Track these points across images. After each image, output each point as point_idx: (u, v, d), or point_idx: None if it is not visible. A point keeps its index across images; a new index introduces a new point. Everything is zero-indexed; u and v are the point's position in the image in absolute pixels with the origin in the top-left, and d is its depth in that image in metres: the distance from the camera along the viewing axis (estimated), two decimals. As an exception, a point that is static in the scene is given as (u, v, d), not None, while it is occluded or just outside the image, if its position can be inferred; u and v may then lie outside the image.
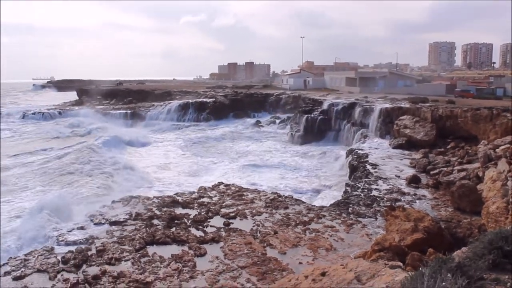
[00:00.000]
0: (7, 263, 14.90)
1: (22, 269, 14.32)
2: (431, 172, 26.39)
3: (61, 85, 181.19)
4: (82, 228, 18.19)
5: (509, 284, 4.12)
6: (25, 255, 15.58)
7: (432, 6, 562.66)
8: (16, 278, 13.81)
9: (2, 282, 13.65)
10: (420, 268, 4.33)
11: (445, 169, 26.25)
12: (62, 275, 14.01)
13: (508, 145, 23.94)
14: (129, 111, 67.90)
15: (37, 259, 15.11)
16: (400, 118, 37.54)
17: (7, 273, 14.13)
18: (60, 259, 15.03)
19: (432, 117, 35.47)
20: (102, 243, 16.37)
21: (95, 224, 18.72)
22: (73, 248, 15.93)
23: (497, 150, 24.41)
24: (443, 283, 3.62)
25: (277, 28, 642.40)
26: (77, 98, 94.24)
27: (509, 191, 16.26)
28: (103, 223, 18.76)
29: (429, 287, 3.77)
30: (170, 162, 39.06)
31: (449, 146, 31.38)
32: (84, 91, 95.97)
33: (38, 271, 14.29)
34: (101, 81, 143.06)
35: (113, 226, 18.38)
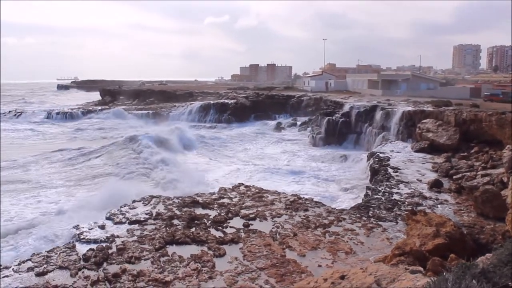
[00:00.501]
0: (30, 259, 15.14)
1: (45, 266, 14.53)
2: (454, 177, 26.01)
3: (85, 85, 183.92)
4: (103, 227, 18.38)
5: (534, 292, 4.02)
6: (48, 252, 15.81)
7: (458, 8, 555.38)
8: (38, 274, 14.01)
9: (25, 278, 13.88)
10: (444, 274, 4.26)
11: (468, 173, 25.83)
12: (83, 272, 14.17)
13: (534, 150, 23.47)
14: (151, 112, 68.62)
15: (59, 256, 15.32)
16: (423, 121, 37.10)
17: (30, 269, 14.35)
18: (81, 257, 15.20)
19: (455, 121, 34.96)
20: (122, 242, 16.52)
21: (115, 223, 18.90)
22: (94, 246, 16.11)
23: (522, 155, 23.95)
24: (468, 289, 3.56)
25: (300, 29, 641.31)
26: (100, 98, 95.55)
27: (535, 197, 15.92)
28: (124, 222, 18.92)
29: (452, 293, 3.70)
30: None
31: (472, 151, 30.86)
32: (107, 91, 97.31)
33: (60, 268, 14.47)
34: (124, 82, 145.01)
35: (134, 225, 18.52)
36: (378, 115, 43.89)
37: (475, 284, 3.60)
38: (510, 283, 4.10)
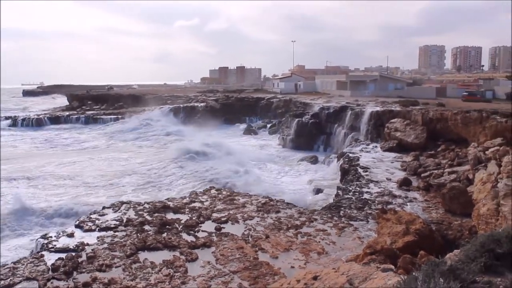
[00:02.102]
0: (-5, 272, 14.68)
1: (11, 278, 14.07)
2: (422, 175, 26.49)
3: (51, 91, 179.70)
4: (71, 235, 17.97)
5: (501, 286, 4.10)
6: (14, 263, 15.35)
7: (423, 10, 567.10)
8: (5, 287, 13.60)
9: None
10: (413, 272, 4.31)
11: (435, 171, 26.37)
12: (52, 282, 13.82)
13: (498, 147, 24.10)
14: (119, 116, 67.71)
15: (26, 267, 14.89)
16: (391, 121, 37.66)
17: (-5, 282, 13.93)
18: (50, 267, 14.82)
19: (422, 120, 35.63)
20: (92, 250, 16.19)
21: (85, 230, 18.50)
22: (63, 255, 15.73)
23: (487, 152, 24.57)
24: (437, 287, 3.59)
25: (270, 32, 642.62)
26: (67, 103, 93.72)
27: (499, 193, 16.33)
28: (94, 230, 18.55)
29: (422, 291, 3.74)
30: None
31: (439, 149, 31.51)
32: (75, 96, 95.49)
33: (27, 279, 14.05)
34: (92, 86, 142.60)
35: (104, 232, 18.19)
36: (347, 115, 44.36)
37: (442, 282, 3.65)
38: (477, 279, 4.17)
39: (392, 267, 7.30)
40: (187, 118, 65.54)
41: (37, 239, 17.91)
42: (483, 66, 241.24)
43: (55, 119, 69.15)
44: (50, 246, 16.82)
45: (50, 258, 15.59)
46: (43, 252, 16.29)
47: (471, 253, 4.88)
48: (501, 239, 5.02)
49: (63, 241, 17.30)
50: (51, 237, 17.75)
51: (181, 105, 70.06)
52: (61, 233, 18.22)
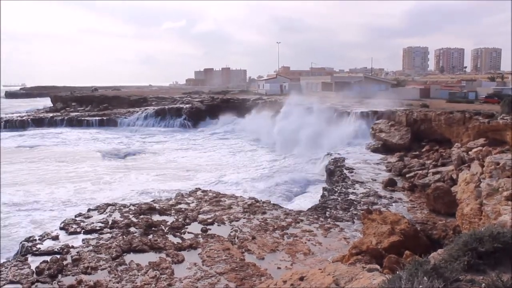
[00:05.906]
0: (-22, 275, 14.49)
1: (-6, 281, 13.95)
2: (407, 175, 26.75)
3: (34, 92, 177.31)
4: (56, 237, 17.81)
5: (483, 284, 4.18)
6: (-2, 266, 15.19)
7: (406, 11, 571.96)
8: (-12, 290, 13.46)
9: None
10: (397, 271, 4.37)
11: (420, 172, 26.63)
12: (36, 286, 13.69)
13: (480, 148, 24.44)
14: (104, 118, 67.26)
15: (9, 270, 14.72)
16: (376, 122, 37.97)
17: (-23, 286, 13.75)
18: (34, 270, 14.67)
19: (407, 121, 35.99)
20: (77, 252, 16.06)
21: (70, 233, 18.36)
22: (47, 258, 15.59)
23: (470, 152, 24.89)
24: (420, 286, 3.65)
25: (255, 33, 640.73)
26: (51, 105, 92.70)
27: (482, 192, 16.56)
28: (79, 232, 18.41)
29: (406, 290, 3.80)
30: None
31: (423, 149, 31.86)
32: (59, 98, 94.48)
33: (11, 282, 13.90)
34: (76, 88, 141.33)
35: (89, 235, 18.06)
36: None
37: (426, 281, 3.71)
38: (460, 277, 4.25)
39: (378, 267, 7.38)
40: (172, 119, 65.49)
41: (21, 242, 17.70)
42: (465, 67, 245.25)
43: (38, 121, 68.19)
44: (35, 249, 16.66)
45: (35, 261, 15.46)
46: (28, 255, 16.15)
47: (454, 252, 4.96)
48: (483, 238, 5.11)
49: (48, 244, 17.14)
50: (35, 239, 17.59)
51: (166, 107, 69.82)
52: (46, 235, 18.05)
